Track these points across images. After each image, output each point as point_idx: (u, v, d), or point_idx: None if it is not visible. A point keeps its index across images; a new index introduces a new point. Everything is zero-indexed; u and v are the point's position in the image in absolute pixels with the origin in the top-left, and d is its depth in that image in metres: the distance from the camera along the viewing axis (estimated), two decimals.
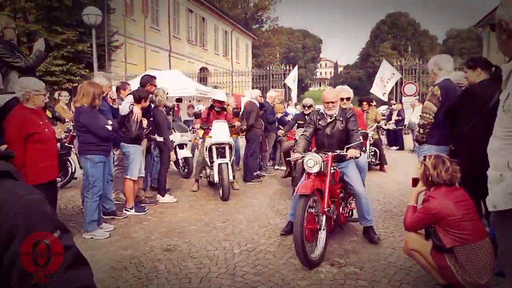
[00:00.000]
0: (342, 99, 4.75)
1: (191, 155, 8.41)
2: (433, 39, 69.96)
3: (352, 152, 3.94)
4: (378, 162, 9.09)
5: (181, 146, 8.23)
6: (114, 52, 18.14)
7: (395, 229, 4.69)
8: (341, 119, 4.19)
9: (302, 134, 4.36)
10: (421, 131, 3.98)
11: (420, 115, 4.01)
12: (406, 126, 13.84)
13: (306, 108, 7.64)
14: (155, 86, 6.07)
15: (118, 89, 6.01)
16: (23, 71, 4.19)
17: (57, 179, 5.06)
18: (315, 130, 4.31)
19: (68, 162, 6.94)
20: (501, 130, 1.76)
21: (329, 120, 4.22)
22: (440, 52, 57.01)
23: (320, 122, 4.28)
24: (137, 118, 5.27)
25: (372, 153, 8.91)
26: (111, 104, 5.23)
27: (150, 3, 20.83)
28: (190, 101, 14.82)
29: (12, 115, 3.68)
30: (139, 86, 6.06)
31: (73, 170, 6.96)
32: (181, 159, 8.16)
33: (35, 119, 3.76)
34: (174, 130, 7.82)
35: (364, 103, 9.22)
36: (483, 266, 2.64)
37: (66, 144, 6.97)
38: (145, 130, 5.54)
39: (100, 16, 12.13)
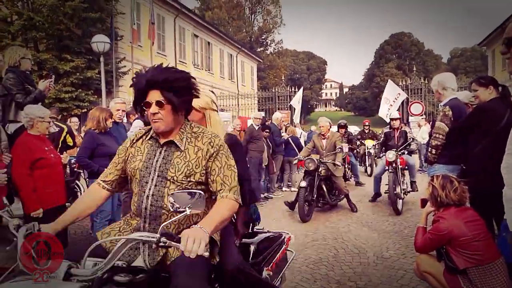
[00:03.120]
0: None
1: None
2: (437, 58, 70.33)
3: None
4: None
5: None
6: (121, 78, 18.43)
7: (406, 250, 4.61)
8: None
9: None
10: (433, 151, 3.92)
11: (432, 136, 3.97)
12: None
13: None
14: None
15: (128, 115, 6.10)
16: (21, 107, 4.27)
17: (67, 204, 5.08)
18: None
19: (77, 187, 6.97)
20: None
21: None
22: (445, 71, 57.11)
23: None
24: None
25: None
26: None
27: (157, 30, 21.30)
28: None
29: (18, 142, 3.72)
30: None
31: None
32: None
33: (40, 145, 3.80)
34: None
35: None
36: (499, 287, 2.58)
37: (75, 170, 7.02)
38: None
39: (108, 44, 12.42)
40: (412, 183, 7.44)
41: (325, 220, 6.24)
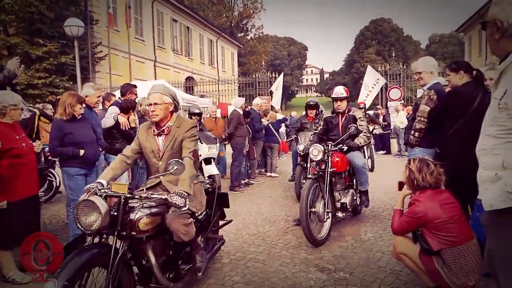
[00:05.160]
0: None
1: (218, 173, 6.98)
2: (416, 44, 71.16)
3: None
4: None
5: (208, 161, 6.89)
6: (98, 64, 17.95)
7: (384, 233, 4.69)
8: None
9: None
10: (416, 134, 3.96)
11: (416, 119, 4.00)
12: (392, 131, 13.99)
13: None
14: (135, 94, 6.00)
15: (103, 100, 5.96)
16: None
17: (40, 193, 4.92)
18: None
19: (52, 176, 6.79)
20: (495, 129, 1.74)
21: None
22: (424, 56, 57.84)
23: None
24: (125, 127, 5.30)
25: None
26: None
27: (134, 14, 20.75)
28: None
29: None
30: (119, 97, 6.02)
31: (57, 184, 6.80)
32: (207, 177, 6.35)
33: (11, 133, 3.64)
34: (200, 142, 7.13)
35: None
36: (471, 268, 2.64)
37: (49, 158, 6.83)
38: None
39: (83, 28, 12.01)
40: (362, 194, 5.08)
41: None
